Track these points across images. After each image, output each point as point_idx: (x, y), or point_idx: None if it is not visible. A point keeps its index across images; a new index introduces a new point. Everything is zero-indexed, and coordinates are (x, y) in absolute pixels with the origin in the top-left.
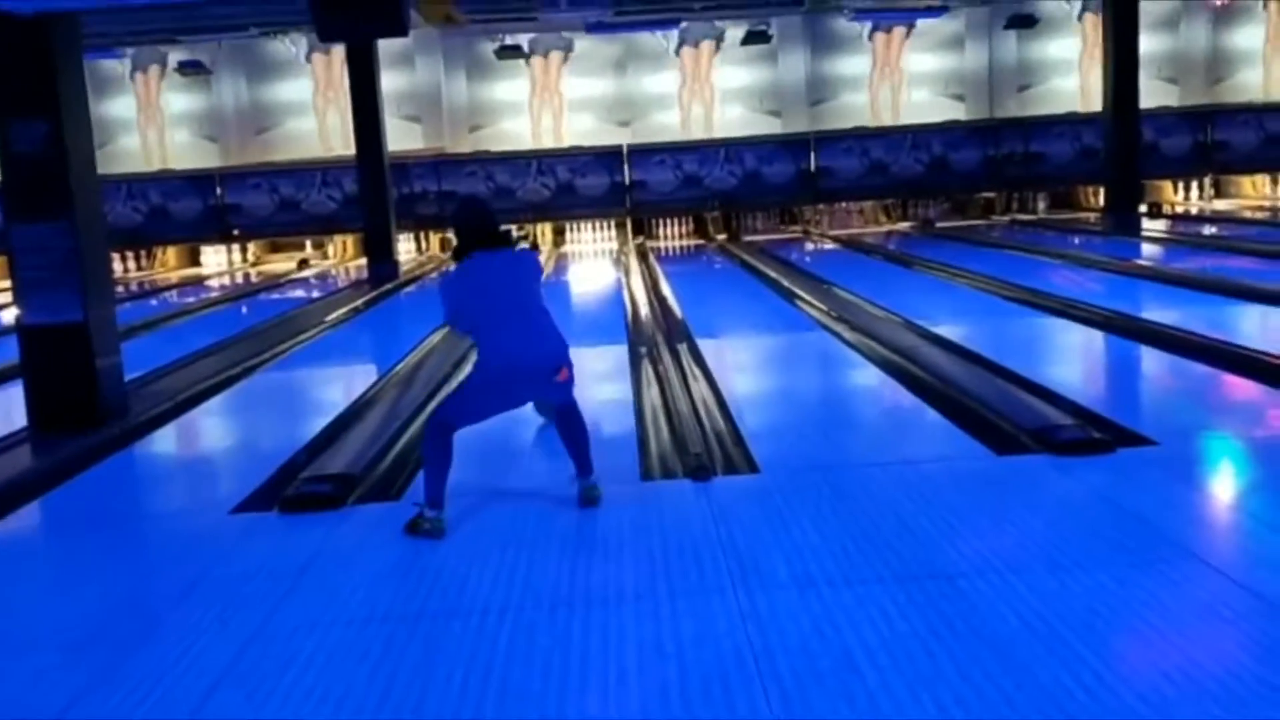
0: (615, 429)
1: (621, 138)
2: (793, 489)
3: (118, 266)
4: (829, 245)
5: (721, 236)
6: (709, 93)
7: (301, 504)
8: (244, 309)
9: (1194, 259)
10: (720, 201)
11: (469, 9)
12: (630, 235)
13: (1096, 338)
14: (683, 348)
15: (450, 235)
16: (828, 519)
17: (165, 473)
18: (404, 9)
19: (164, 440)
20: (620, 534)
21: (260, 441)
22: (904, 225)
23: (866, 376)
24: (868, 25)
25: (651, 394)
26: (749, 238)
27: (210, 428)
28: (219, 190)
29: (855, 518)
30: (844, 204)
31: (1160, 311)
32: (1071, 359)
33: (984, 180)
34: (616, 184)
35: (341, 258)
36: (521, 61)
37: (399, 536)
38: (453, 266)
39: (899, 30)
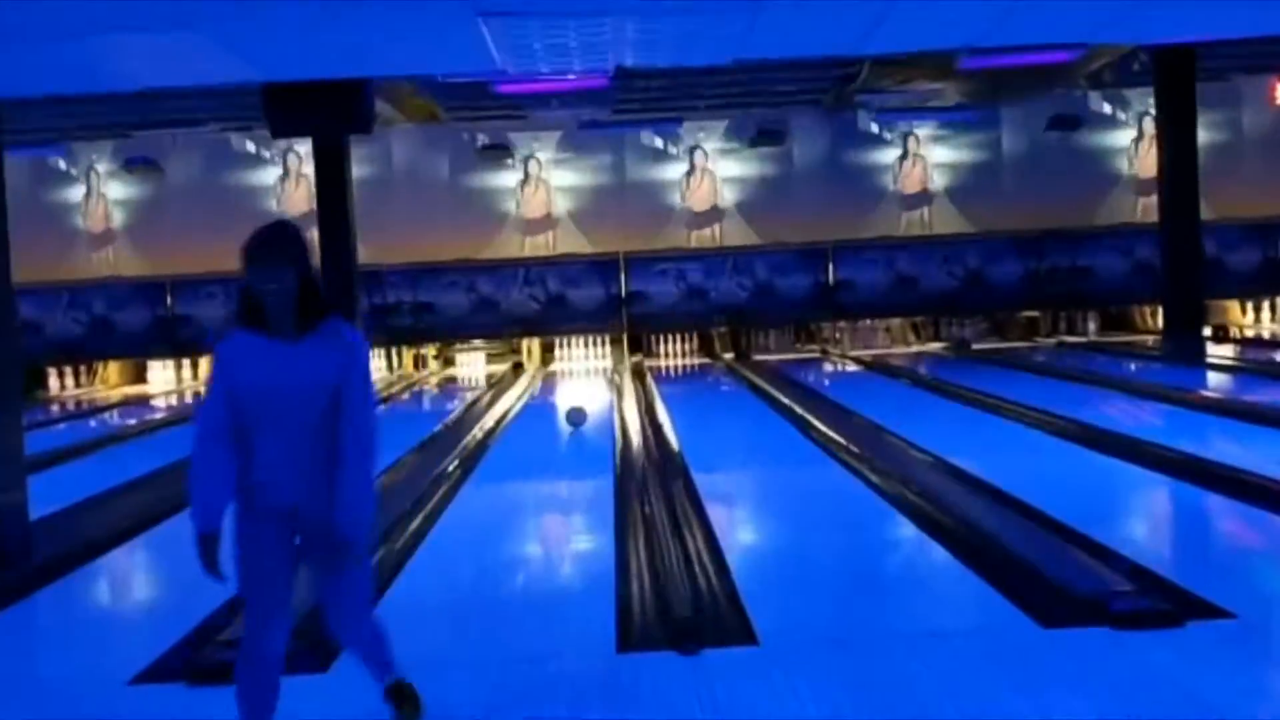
0: (590, 586)
1: (620, 246)
2: (797, 665)
3: (54, 383)
4: (850, 367)
5: (729, 356)
6: (715, 195)
7: (214, 674)
8: (187, 435)
9: (1267, 390)
10: (728, 317)
11: (451, 105)
12: (626, 353)
13: (1159, 483)
14: (677, 486)
15: (426, 350)
16: (839, 704)
17: (60, 631)
18: (368, 105)
19: (65, 591)
20: None
21: (177, 594)
22: (935, 346)
23: (890, 526)
24: (897, 129)
25: (637, 543)
26: (760, 357)
27: (122, 576)
28: (169, 300)
29: (872, 703)
30: (867, 321)
31: (1233, 452)
32: (1130, 508)
33: (1026, 297)
34: (613, 296)
35: None
36: (509, 162)
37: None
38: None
39: (926, 131)
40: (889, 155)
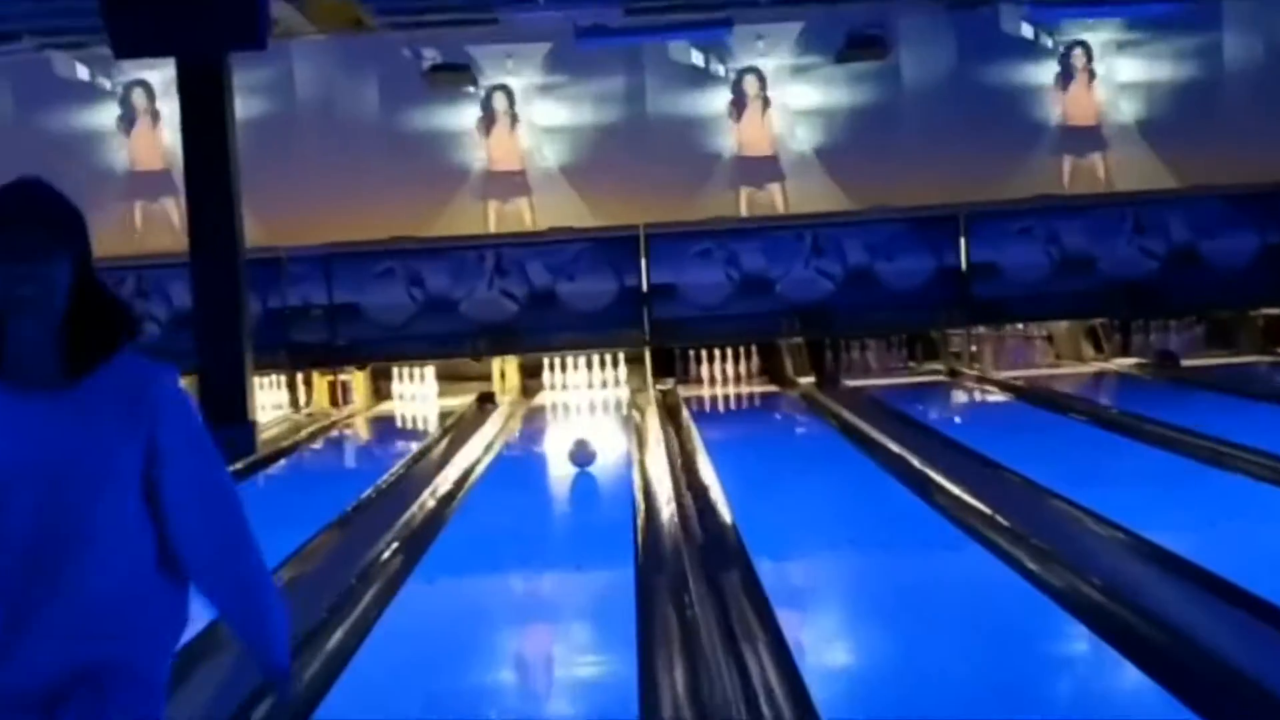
0: None
1: (637, 216)
2: None
3: None
4: (994, 396)
5: (806, 380)
6: (781, 137)
7: None
8: None
9: None
10: (805, 321)
11: (384, 5)
12: (650, 377)
13: None
14: (730, 580)
15: (348, 376)
16: None
17: None
18: (257, 6)
19: None
20: None
21: None
22: (1125, 363)
23: (1059, 637)
24: (1060, 33)
25: (671, 667)
26: (854, 382)
27: None
28: None
29: None
30: (1019, 326)
31: None
32: None
33: (1264, 286)
34: (628, 291)
35: None
36: (470, 90)
37: None
38: None
39: (1104, 36)
40: (1046, 73)
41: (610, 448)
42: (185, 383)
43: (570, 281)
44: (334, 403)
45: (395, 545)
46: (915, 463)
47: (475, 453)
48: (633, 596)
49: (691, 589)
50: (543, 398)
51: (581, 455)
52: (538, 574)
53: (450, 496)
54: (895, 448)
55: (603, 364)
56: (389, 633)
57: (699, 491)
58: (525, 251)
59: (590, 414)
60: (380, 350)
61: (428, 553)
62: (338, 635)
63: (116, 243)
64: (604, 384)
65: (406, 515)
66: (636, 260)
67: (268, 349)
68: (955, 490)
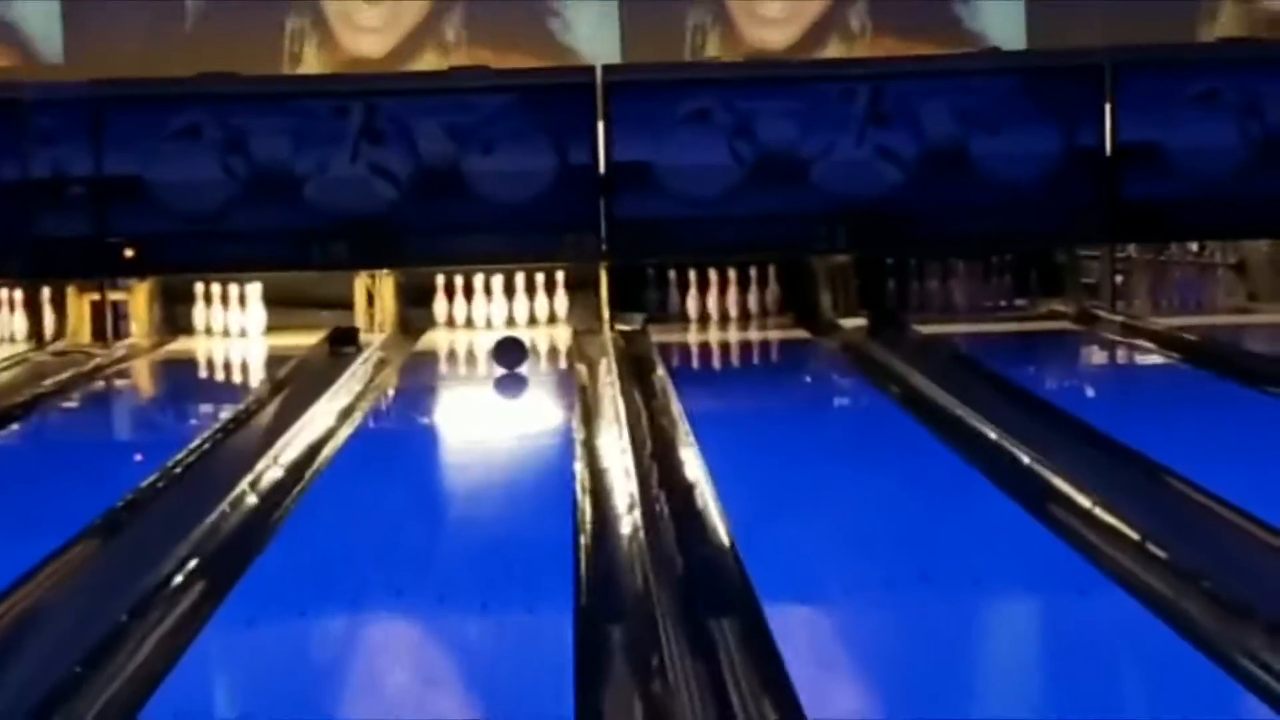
0: None
1: (594, 53)
2: None
3: None
4: (1150, 354)
5: (853, 323)
6: None
7: None
8: None
9: None
10: (854, 231)
11: None
12: (605, 312)
13: None
14: (725, 635)
15: (125, 295)
16: None
17: None
18: None
19: None
20: None
21: None
22: None
23: None
24: None
25: None
26: (928, 327)
27: None
28: None
29: None
30: (1193, 248)
31: None
32: None
33: None
34: (575, 172)
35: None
36: None
37: None
38: None
39: None
40: None
41: (539, 422)
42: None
43: (483, 155)
44: (99, 336)
45: (190, 567)
46: (1023, 458)
47: (322, 425)
48: (570, 663)
49: (667, 652)
50: (432, 339)
51: (507, 355)
52: (413, 621)
53: (279, 493)
54: (991, 433)
55: (530, 289)
56: (173, 703)
57: (678, 497)
58: (412, 104)
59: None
60: (175, 255)
61: (239, 583)
62: (98, 707)
63: None
64: (531, 320)
65: (208, 522)
66: (589, 123)
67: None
68: (1086, 504)
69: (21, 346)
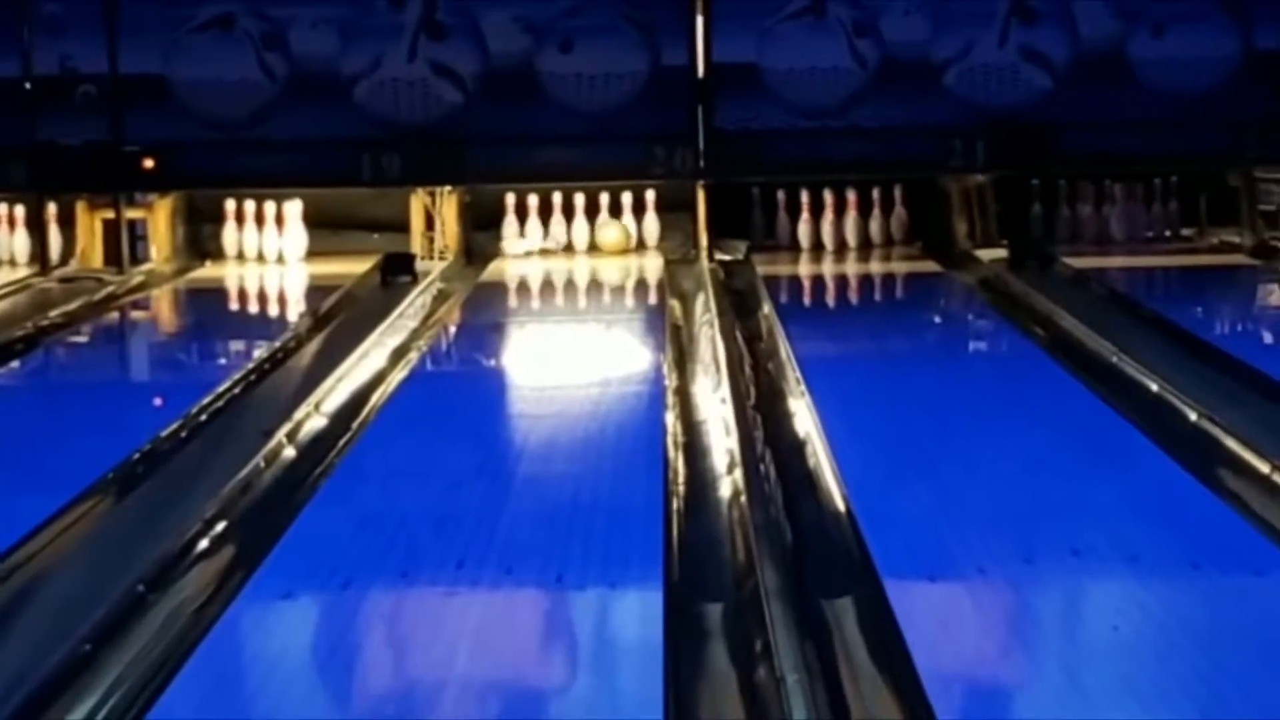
0: None
1: None
2: None
3: None
4: None
5: (992, 254)
6: None
7: None
8: None
9: None
10: (994, 146)
11: None
12: (704, 239)
13: None
14: (837, 611)
15: (144, 212)
16: None
17: None
18: None
19: None
20: None
21: None
22: None
23: None
24: None
25: None
26: (1080, 261)
27: None
28: None
29: None
30: None
31: None
32: None
33: None
34: (667, 74)
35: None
36: None
37: None
38: None
39: None
40: None
41: (623, 368)
42: None
43: (563, 52)
44: (112, 260)
45: (219, 529)
46: (1190, 415)
47: (373, 366)
48: (659, 647)
49: (771, 636)
50: (500, 269)
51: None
52: (475, 597)
53: (322, 446)
54: (1152, 385)
55: (615, 210)
56: (201, 679)
57: (787, 455)
58: None
59: (589, 303)
60: (202, 168)
61: (276, 548)
62: (106, 682)
63: None
64: (615, 246)
65: (240, 477)
66: (684, 16)
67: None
68: (1264, 469)
69: (24, 271)
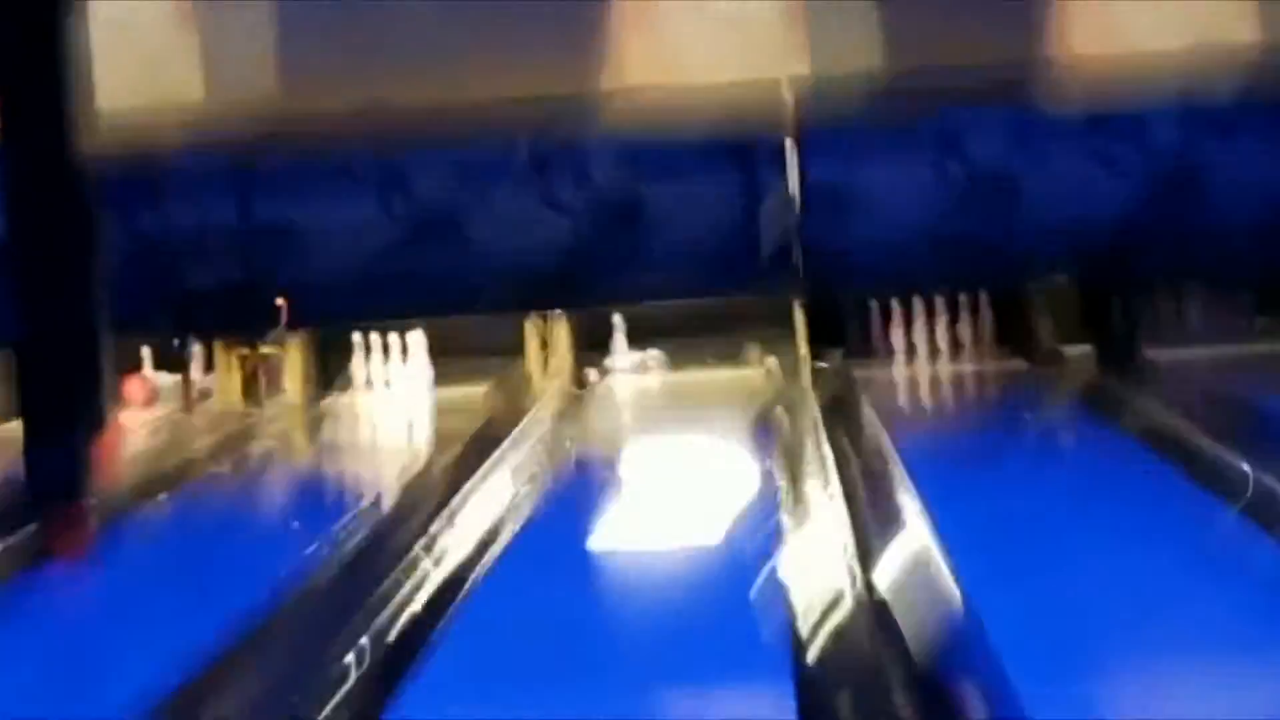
0: None
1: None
2: None
3: None
4: None
5: (1077, 350)
6: None
7: None
8: None
9: None
10: (1079, 256)
11: None
12: (803, 349)
13: None
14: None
15: (276, 348)
16: None
17: None
18: None
19: None
20: None
21: None
22: None
23: None
24: None
25: None
26: (1165, 353)
27: None
28: None
29: None
30: None
31: None
32: None
33: None
34: (757, 193)
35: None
36: None
37: None
38: None
39: None
40: None
41: (730, 494)
42: None
43: (667, 183)
44: (250, 394)
45: (354, 680)
46: None
47: (498, 499)
48: None
49: None
50: (607, 388)
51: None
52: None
53: (452, 585)
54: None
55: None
56: None
57: (919, 584)
58: (584, 129)
59: (693, 425)
60: (327, 308)
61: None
62: None
63: None
64: (726, 362)
65: (376, 624)
66: (772, 151)
67: (137, 311)
68: None
69: (166, 410)
